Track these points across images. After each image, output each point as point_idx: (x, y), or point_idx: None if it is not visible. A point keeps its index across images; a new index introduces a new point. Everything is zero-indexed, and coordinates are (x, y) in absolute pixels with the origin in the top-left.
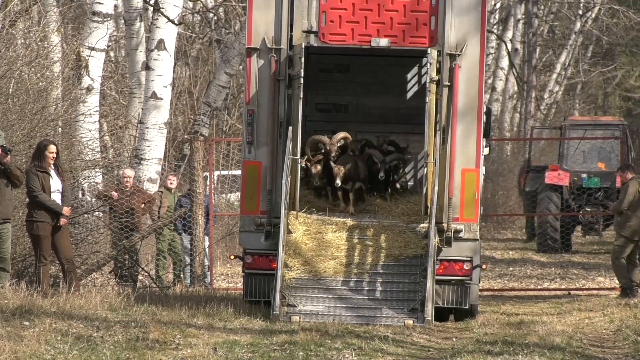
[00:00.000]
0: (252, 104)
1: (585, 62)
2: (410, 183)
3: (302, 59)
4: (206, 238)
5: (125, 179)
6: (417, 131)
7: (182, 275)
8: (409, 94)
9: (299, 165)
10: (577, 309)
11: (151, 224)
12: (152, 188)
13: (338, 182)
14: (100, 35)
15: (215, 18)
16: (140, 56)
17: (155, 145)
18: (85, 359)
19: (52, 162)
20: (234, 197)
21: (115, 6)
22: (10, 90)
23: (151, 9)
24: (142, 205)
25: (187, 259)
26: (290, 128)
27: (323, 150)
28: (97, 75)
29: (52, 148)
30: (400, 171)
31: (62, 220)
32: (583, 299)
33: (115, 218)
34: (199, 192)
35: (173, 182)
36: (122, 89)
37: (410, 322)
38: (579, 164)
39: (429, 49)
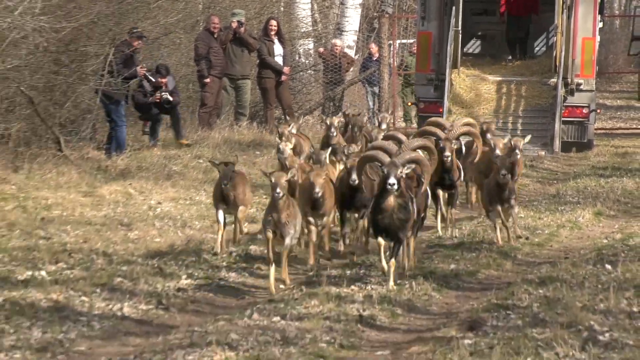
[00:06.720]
0: None
1: None
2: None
3: None
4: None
5: (335, 47)
6: (547, 9)
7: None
8: None
9: (460, 35)
10: None
11: (350, 79)
12: (350, 52)
13: (354, 177)
14: None
15: None
16: None
17: (353, 20)
18: None
19: (274, 33)
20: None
21: None
22: None
23: None
24: (347, 65)
25: (371, 104)
26: (454, 7)
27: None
28: None
29: (273, 22)
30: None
31: (283, 77)
32: None
33: (328, 74)
34: (384, 55)
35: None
36: None
37: (543, 153)
38: None
39: None
